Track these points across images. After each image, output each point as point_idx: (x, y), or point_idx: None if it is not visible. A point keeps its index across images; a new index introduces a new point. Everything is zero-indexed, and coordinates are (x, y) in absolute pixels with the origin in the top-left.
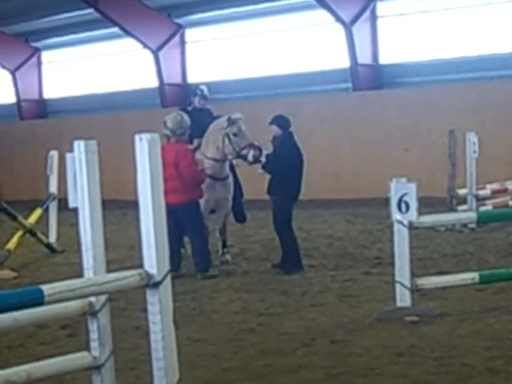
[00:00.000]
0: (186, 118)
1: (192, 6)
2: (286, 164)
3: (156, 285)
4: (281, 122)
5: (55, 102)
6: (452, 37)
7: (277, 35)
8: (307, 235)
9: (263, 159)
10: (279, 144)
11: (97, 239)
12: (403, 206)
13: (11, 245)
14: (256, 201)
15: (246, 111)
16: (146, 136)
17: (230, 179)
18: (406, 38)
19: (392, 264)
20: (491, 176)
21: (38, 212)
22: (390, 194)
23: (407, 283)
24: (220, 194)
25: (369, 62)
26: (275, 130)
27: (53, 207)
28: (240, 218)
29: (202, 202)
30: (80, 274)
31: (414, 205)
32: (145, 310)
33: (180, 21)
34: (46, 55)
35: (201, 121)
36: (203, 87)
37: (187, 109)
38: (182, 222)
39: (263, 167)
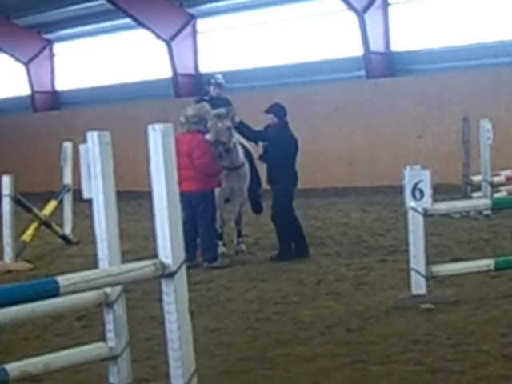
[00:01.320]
0: (207, 108)
1: None
2: (283, 153)
3: (171, 275)
4: (277, 110)
5: (68, 94)
6: (465, 23)
7: (289, 24)
8: (322, 224)
9: (261, 150)
10: (276, 133)
11: (111, 230)
12: (417, 194)
13: (26, 237)
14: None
15: (258, 100)
16: (159, 126)
17: (245, 168)
18: (418, 25)
19: (407, 251)
20: (506, 162)
21: (52, 203)
22: (405, 181)
23: (422, 270)
24: (234, 184)
25: (381, 49)
26: (272, 118)
27: (67, 198)
28: (257, 208)
29: (216, 191)
30: (95, 265)
31: (428, 192)
32: (160, 300)
33: (192, 11)
34: (58, 47)
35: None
36: (218, 76)
37: (204, 98)
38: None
39: (260, 157)
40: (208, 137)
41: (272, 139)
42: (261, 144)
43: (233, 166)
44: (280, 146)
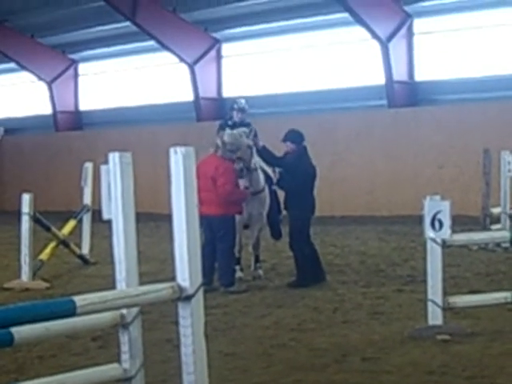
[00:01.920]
0: (245, 139)
1: (228, 20)
2: (300, 180)
3: (188, 298)
4: (294, 137)
5: (91, 114)
6: (487, 54)
7: (313, 51)
8: (340, 251)
9: (277, 176)
10: (293, 159)
11: (130, 251)
12: (437, 224)
13: (44, 255)
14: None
15: (279, 126)
16: (180, 149)
17: (265, 193)
18: (441, 55)
19: (424, 282)
20: None
21: (71, 223)
22: (424, 211)
23: (439, 301)
24: (253, 209)
25: (404, 78)
26: (289, 146)
27: (87, 219)
28: (276, 234)
29: (236, 216)
30: (112, 286)
31: (447, 223)
32: (176, 323)
33: (216, 35)
34: (82, 67)
35: None
36: (241, 100)
37: (228, 123)
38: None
39: (277, 184)
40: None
41: (289, 165)
42: (277, 170)
43: (253, 190)
44: (297, 173)
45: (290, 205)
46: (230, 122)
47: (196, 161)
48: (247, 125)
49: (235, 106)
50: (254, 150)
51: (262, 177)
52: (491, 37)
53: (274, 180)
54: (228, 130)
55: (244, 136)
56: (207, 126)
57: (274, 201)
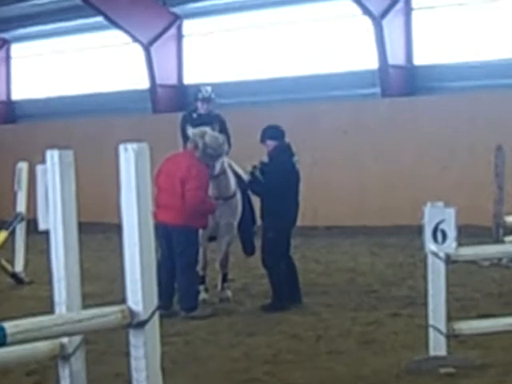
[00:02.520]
0: (226, 147)
1: None
2: (275, 183)
3: (141, 324)
4: (272, 133)
5: (25, 104)
6: (501, 34)
7: (292, 28)
8: (324, 269)
9: (247, 177)
10: (271, 158)
11: (71, 268)
12: (439, 236)
13: None
14: None
15: (253, 119)
16: (132, 146)
17: (236, 200)
18: (446, 35)
19: (425, 305)
20: None
21: (2, 235)
22: (424, 220)
23: (443, 328)
24: (221, 218)
25: (401, 62)
26: (270, 144)
27: (20, 229)
28: (249, 249)
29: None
30: (50, 310)
31: (452, 234)
32: (127, 355)
33: (177, 10)
34: (15, 48)
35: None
36: (206, 88)
37: (192, 115)
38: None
39: (248, 187)
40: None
41: (265, 165)
42: (248, 169)
43: (221, 195)
44: (274, 173)
45: (266, 213)
46: (194, 115)
47: (151, 159)
48: (215, 117)
49: (199, 96)
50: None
51: (232, 179)
52: (504, 12)
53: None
54: (210, 131)
55: (225, 144)
56: (165, 118)
57: (246, 209)
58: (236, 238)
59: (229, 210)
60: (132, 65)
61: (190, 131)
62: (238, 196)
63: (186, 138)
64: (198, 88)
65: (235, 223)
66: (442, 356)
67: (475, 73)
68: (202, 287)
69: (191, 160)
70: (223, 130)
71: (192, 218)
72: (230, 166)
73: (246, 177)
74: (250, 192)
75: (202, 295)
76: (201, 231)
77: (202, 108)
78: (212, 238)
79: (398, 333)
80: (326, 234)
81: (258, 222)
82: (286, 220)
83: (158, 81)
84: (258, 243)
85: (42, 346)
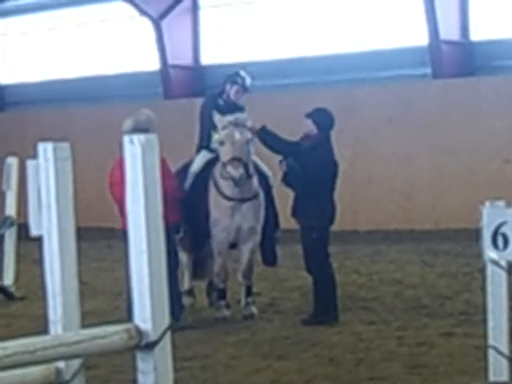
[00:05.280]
0: (150, 115)
1: None
2: (315, 177)
3: (150, 346)
4: (321, 118)
5: (16, 90)
6: None
7: (328, 0)
8: (366, 280)
9: (283, 168)
10: (311, 149)
11: (69, 281)
12: (500, 241)
13: None
14: (294, 231)
15: (282, 105)
16: (139, 138)
17: (260, 200)
18: (509, 6)
19: (483, 322)
20: None
21: None
22: (482, 223)
23: (505, 349)
24: (243, 221)
25: (456, 37)
26: (310, 126)
27: (10, 236)
28: (269, 258)
29: (217, 232)
30: (45, 330)
31: None
32: (134, 382)
33: None
34: (4, 24)
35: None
36: (247, 74)
37: (217, 101)
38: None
39: (283, 180)
40: (221, 154)
41: (303, 155)
42: (284, 162)
43: (243, 196)
44: (312, 167)
45: (302, 211)
46: (220, 100)
47: (161, 153)
48: (241, 109)
49: (239, 80)
50: (252, 145)
51: (255, 177)
52: None
53: (273, 181)
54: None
55: (149, 113)
56: (179, 104)
57: (270, 211)
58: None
59: (252, 211)
60: (139, 42)
61: (219, 119)
62: (262, 196)
63: (207, 125)
64: (235, 71)
65: (259, 227)
66: (504, 382)
67: None
68: (222, 303)
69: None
70: None
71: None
72: (253, 161)
73: (270, 173)
74: (283, 184)
75: (224, 312)
76: (218, 236)
77: (234, 94)
78: (233, 246)
79: (453, 355)
80: (367, 240)
81: (288, 225)
82: (324, 219)
83: (170, 61)
84: (280, 251)
85: (35, 372)
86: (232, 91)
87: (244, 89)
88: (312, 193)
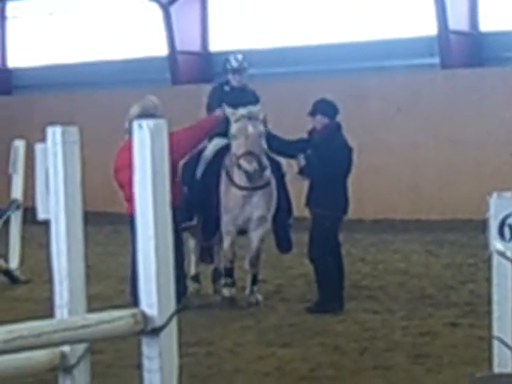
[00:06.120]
0: (155, 101)
1: None
2: (332, 167)
3: (156, 331)
4: (326, 109)
5: (23, 73)
6: None
7: None
8: (371, 269)
9: (302, 162)
10: (325, 139)
11: (75, 266)
12: (507, 232)
13: None
14: (299, 219)
15: (290, 93)
16: (147, 123)
17: (272, 188)
18: None
19: (488, 313)
20: None
21: None
22: (489, 214)
23: (509, 340)
24: (253, 209)
25: (465, 28)
26: (320, 121)
27: (16, 219)
28: (284, 245)
29: (227, 218)
30: (50, 314)
31: None
32: (139, 367)
33: None
34: (12, 7)
35: (243, 106)
36: (235, 56)
37: (224, 89)
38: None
39: (301, 171)
40: (234, 147)
41: (319, 147)
42: (302, 156)
43: (254, 184)
44: (329, 157)
45: (317, 201)
46: (226, 88)
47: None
48: (251, 94)
49: (228, 66)
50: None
51: (268, 168)
52: None
53: (287, 168)
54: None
55: (154, 100)
56: (186, 90)
57: (282, 198)
58: (269, 232)
59: (263, 200)
60: (148, 28)
61: (231, 113)
62: (273, 184)
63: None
64: (226, 57)
65: (269, 216)
66: (509, 373)
67: None
68: (229, 280)
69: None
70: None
71: None
72: (264, 149)
73: (282, 161)
74: (301, 177)
75: (230, 291)
76: (228, 226)
77: (233, 80)
78: (242, 232)
79: (457, 346)
80: (373, 229)
81: (295, 212)
82: (338, 208)
83: (179, 47)
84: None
85: (40, 356)
86: (229, 77)
87: (238, 71)
88: (329, 182)
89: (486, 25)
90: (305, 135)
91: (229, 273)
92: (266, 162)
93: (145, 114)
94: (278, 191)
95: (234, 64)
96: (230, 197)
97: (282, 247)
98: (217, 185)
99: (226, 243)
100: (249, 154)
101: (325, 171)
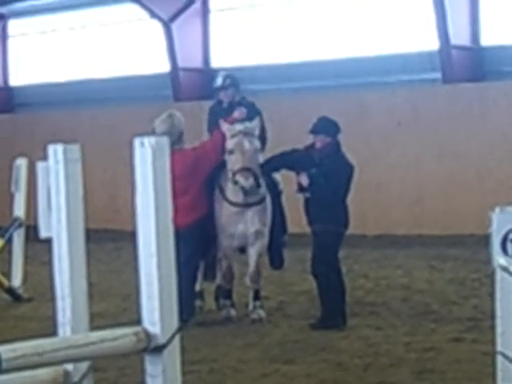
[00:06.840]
0: (179, 117)
1: None
2: (336, 185)
3: (159, 349)
4: (328, 128)
5: (25, 91)
6: None
7: (337, 4)
8: (374, 285)
9: (305, 181)
10: (328, 157)
11: (78, 283)
12: (510, 247)
13: None
14: (301, 235)
15: (291, 109)
16: (149, 140)
17: (267, 204)
18: None
19: (492, 328)
20: None
21: None
22: (492, 228)
23: None
24: (250, 226)
25: (466, 42)
26: (322, 140)
27: (18, 237)
28: (276, 262)
29: (223, 237)
30: (53, 332)
31: None
32: None
33: None
34: (13, 25)
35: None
36: (222, 74)
37: (222, 105)
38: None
39: (301, 189)
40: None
41: (322, 165)
42: (304, 175)
43: (248, 201)
44: (333, 175)
45: (320, 217)
46: (224, 104)
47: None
48: (250, 106)
49: (213, 85)
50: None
51: (263, 184)
52: None
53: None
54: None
55: (177, 114)
56: (189, 107)
57: (277, 216)
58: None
59: (257, 215)
60: (149, 45)
61: (227, 128)
62: (268, 200)
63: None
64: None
65: (266, 230)
66: None
67: None
68: (228, 302)
69: (177, 155)
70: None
71: (198, 209)
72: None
73: (279, 179)
74: (303, 194)
75: (230, 312)
76: (224, 243)
77: (224, 97)
78: (242, 250)
79: (460, 361)
80: (375, 245)
81: (296, 229)
82: (340, 224)
83: (181, 63)
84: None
85: (44, 374)
86: (221, 95)
87: (222, 88)
88: (332, 199)
89: (487, 39)
90: (300, 146)
91: (227, 294)
92: (261, 177)
93: (175, 132)
94: (273, 208)
95: (218, 82)
96: (224, 213)
97: (274, 263)
98: (212, 200)
99: (224, 266)
100: (245, 169)
101: (329, 189)
